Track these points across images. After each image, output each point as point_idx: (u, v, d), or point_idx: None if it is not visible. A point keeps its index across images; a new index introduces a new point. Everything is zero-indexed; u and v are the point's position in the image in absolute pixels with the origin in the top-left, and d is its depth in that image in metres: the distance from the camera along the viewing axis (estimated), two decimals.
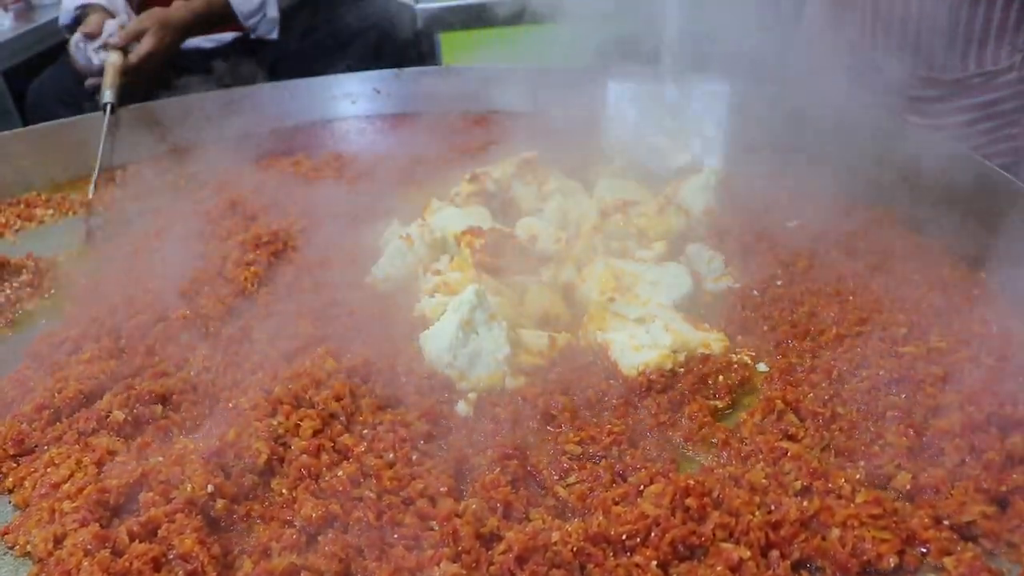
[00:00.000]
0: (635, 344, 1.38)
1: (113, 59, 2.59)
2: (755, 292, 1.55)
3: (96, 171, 2.29)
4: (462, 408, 1.30)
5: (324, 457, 1.19)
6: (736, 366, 1.35)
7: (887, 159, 1.78)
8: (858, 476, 1.09)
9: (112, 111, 2.43)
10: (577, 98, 2.27)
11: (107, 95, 2.46)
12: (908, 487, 1.07)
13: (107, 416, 1.30)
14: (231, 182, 2.18)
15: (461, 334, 1.35)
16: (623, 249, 1.70)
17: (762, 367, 1.37)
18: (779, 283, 1.56)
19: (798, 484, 1.08)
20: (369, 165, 2.27)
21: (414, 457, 1.19)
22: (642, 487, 1.10)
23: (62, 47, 2.99)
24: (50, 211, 2.24)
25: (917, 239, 1.63)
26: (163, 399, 1.35)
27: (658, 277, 1.61)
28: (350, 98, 2.66)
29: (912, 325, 1.37)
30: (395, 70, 2.69)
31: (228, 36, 3.29)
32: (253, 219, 1.92)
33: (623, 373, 1.35)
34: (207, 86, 2.83)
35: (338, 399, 1.26)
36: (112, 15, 2.79)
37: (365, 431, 1.25)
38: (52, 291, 1.84)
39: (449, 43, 3.35)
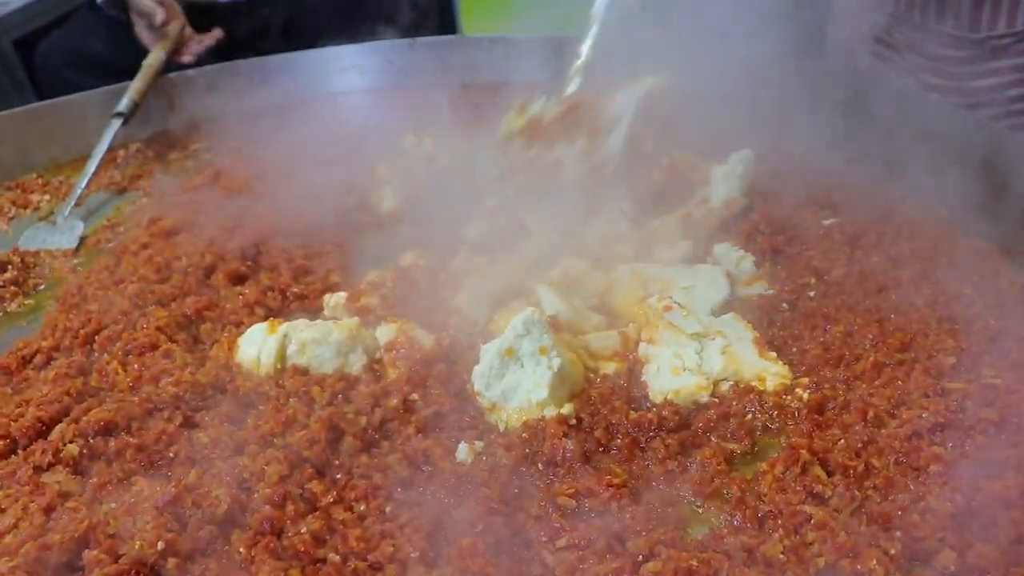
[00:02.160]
0: (676, 366, 1.23)
1: (152, 61, 2.36)
2: (784, 304, 1.39)
3: (82, 184, 2.06)
4: (462, 453, 1.16)
5: (289, 507, 1.07)
6: (777, 405, 1.19)
7: (936, 147, 1.58)
8: (893, 551, 0.93)
9: (125, 122, 2.21)
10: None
11: (123, 104, 2.22)
12: (952, 569, 0.92)
13: (61, 449, 1.20)
14: (228, 169, 2.05)
15: (498, 363, 1.22)
16: (644, 250, 1.55)
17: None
18: (811, 294, 1.40)
19: (821, 561, 0.93)
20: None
21: (388, 509, 1.07)
22: (640, 557, 0.96)
23: (74, 14, 2.85)
24: (47, 196, 2.14)
25: (971, 243, 1.44)
26: (126, 426, 1.24)
27: (691, 281, 1.46)
28: (359, 69, 2.50)
29: (961, 353, 1.20)
30: (408, 40, 2.53)
31: None
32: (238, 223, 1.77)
33: (650, 398, 1.22)
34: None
35: (312, 443, 1.14)
36: None
37: (338, 476, 1.12)
38: (42, 287, 1.75)
39: (468, 7, 3.17)
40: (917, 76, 1.92)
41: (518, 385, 1.22)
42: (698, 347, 1.27)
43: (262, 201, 1.88)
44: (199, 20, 2.94)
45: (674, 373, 1.23)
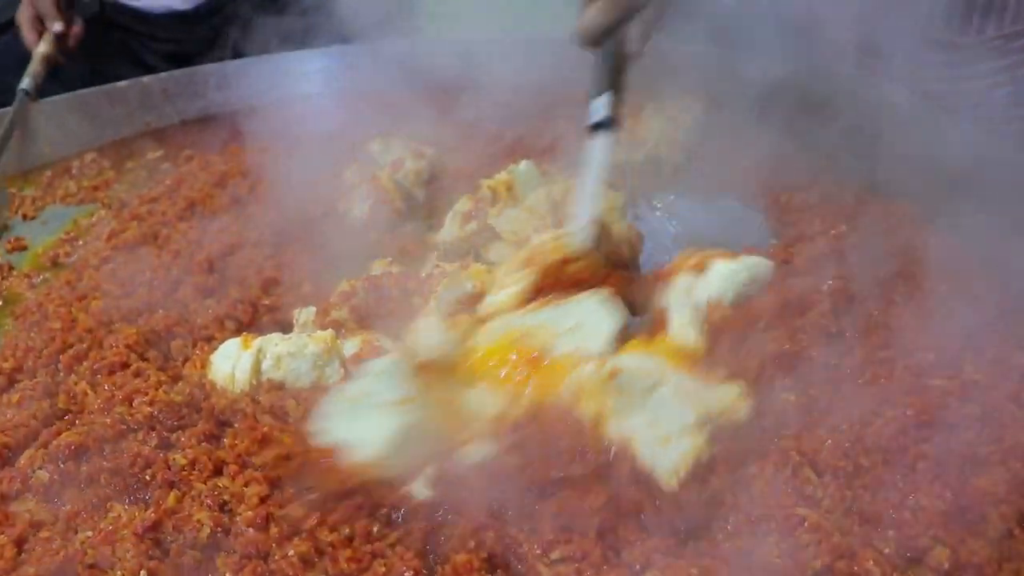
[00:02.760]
0: (660, 434, 1.07)
1: (42, 48, 2.39)
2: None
3: None
4: (418, 490, 1.07)
5: (273, 529, 1.04)
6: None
7: (906, 144, 1.61)
8: (887, 551, 0.94)
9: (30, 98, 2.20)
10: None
11: (25, 81, 2.23)
12: (946, 566, 0.92)
13: (30, 477, 1.15)
14: (189, 177, 2.01)
15: (345, 407, 1.12)
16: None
17: None
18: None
19: (818, 564, 0.93)
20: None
21: (375, 529, 1.04)
22: (637, 566, 0.95)
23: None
24: None
25: (942, 240, 1.46)
26: (99, 450, 1.20)
27: (574, 319, 1.25)
28: (321, 74, 2.46)
29: (941, 349, 1.21)
30: (370, 43, 2.49)
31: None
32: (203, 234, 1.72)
33: (662, 486, 1.04)
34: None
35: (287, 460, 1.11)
36: None
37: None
38: None
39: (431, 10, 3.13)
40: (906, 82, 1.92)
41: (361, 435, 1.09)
42: (653, 404, 1.11)
43: (226, 211, 1.84)
44: (144, 29, 2.88)
45: (663, 443, 1.07)
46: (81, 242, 1.87)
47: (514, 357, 1.20)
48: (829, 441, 1.09)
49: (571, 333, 1.23)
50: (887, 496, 1.01)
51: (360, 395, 1.13)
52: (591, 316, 1.25)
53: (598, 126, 1.48)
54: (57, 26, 2.45)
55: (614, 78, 1.50)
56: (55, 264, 1.80)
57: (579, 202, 1.44)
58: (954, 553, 0.93)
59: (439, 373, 1.21)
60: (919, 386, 1.15)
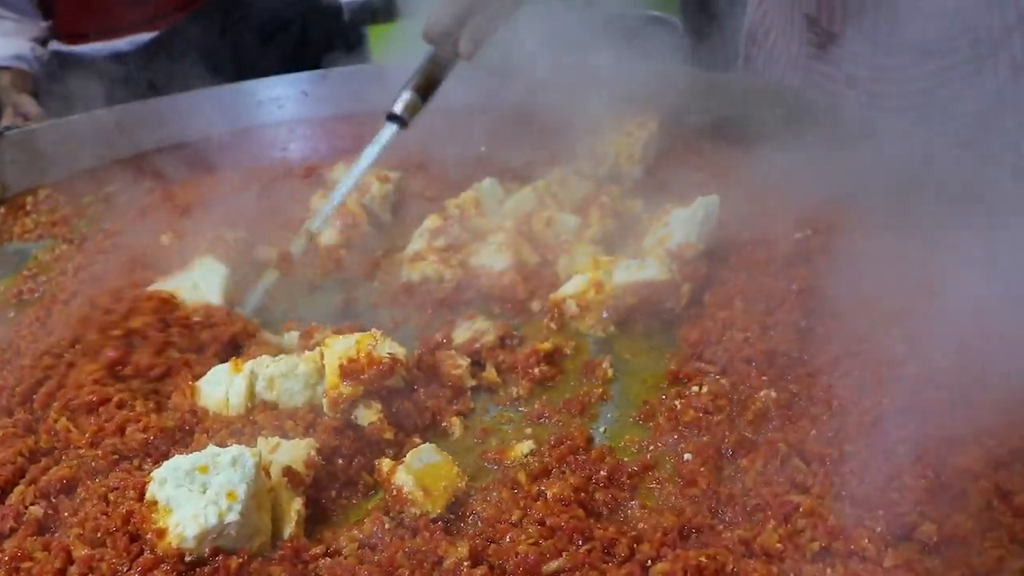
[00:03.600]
0: None
1: None
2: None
3: None
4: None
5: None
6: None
7: (855, 149, 1.69)
8: (879, 529, 0.99)
9: None
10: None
11: None
12: (935, 539, 0.98)
13: (23, 513, 1.14)
14: (152, 209, 2.00)
15: (183, 474, 1.03)
16: None
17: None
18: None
19: (816, 546, 0.97)
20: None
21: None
22: (648, 561, 0.98)
23: None
24: None
25: (899, 240, 1.53)
26: (87, 479, 1.19)
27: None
28: (277, 103, 2.47)
29: (910, 339, 1.28)
30: (322, 71, 2.51)
31: (144, 38, 3.06)
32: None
33: None
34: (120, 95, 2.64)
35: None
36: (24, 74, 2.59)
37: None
38: None
39: (377, 37, 3.17)
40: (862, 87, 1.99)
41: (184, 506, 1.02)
42: None
43: (192, 241, 1.83)
44: (93, 73, 2.87)
45: None
46: (44, 278, 1.85)
47: None
48: (813, 431, 1.14)
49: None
50: (873, 479, 1.06)
51: (204, 467, 1.05)
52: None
53: (391, 117, 1.69)
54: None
55: (426, 81, 1.71)
56: (20, 301, 1.76)
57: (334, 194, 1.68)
58: (940, 527, 0.98)
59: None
60: (891, 375, 1.21)
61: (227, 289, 1.57)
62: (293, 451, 1.13)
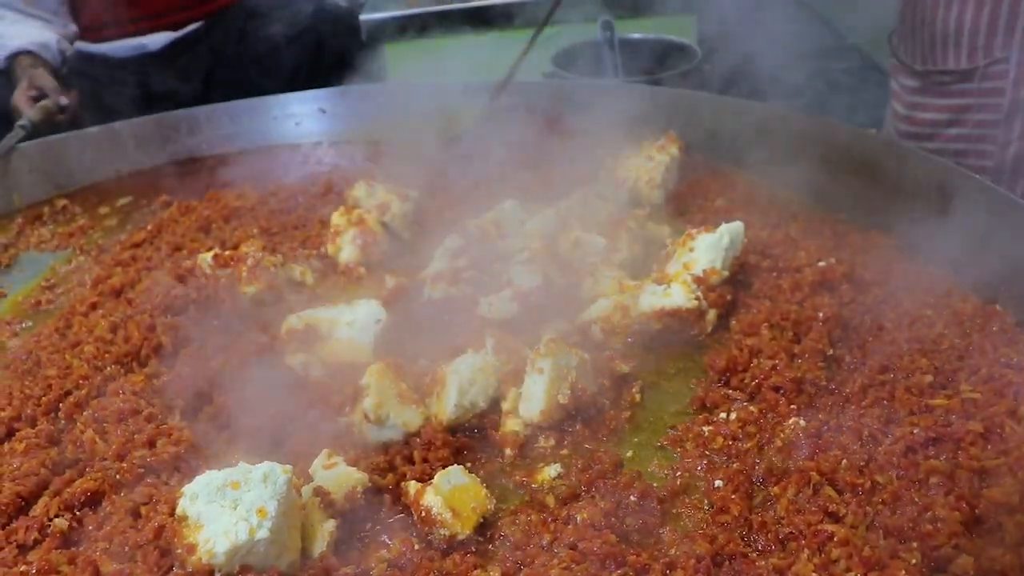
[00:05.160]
0: None
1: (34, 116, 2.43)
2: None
3: None
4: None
5: None
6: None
7: (873, 175, 1.70)
8: (914, 561, 0.98)
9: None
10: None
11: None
12: (971, 573, 0.97)
13: (48, 524, 1.13)
14: (170, 223, 2.00)
15: (215, 490, 1.04)
16: None
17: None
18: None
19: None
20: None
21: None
22: None
23: None
24: None
25: (919, 267, 1.54)
26: (112, 492, 1.18)
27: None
28: (294, 119, 2.48)
29: (936, 371, 1.28)
30: (340, 88, 2.52)
31: (161, 39, 3.04)
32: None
33: None
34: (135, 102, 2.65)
35: None
36: (44, 61, 2.58)
37: None
38: None
39: (395, 55, 3.18)
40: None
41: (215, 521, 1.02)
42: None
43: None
44: (116, 73, 2.88)
45: None
46: (61, 289, 1.84)
47: None
48: (844, 460, 1.14)
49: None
50: (906, 510, 1.05)
51: (235, 483, 1.04)
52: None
53: None
54: (63, 99, 2.51)
55: None
56: (37, 311, 1.76)
57: None
58: (977, 560, 0.98)
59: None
60: (921, 405, 1.21)
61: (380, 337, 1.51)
62: (342, 479, 1.12)
